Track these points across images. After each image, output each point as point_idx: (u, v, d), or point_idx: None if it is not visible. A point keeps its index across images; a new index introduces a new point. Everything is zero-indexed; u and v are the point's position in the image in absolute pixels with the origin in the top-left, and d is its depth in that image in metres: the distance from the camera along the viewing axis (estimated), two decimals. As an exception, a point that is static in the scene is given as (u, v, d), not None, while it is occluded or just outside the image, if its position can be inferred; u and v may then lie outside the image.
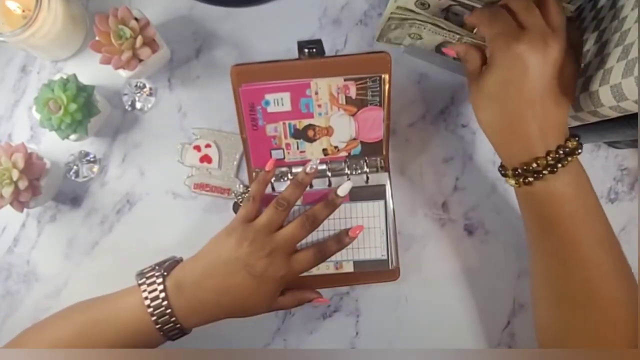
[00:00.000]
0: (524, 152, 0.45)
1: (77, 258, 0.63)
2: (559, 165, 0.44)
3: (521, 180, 0.46)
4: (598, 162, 0.63)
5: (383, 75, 0.54)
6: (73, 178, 0.62)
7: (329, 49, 0.62)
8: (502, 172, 0.49)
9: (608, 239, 0.47)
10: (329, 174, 0.58)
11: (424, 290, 0.63)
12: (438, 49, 0.58)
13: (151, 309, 0.48)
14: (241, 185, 0.62)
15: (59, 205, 0.63)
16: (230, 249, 0.50)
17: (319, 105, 0.55)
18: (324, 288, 0.61)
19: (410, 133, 0.63)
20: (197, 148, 0.62)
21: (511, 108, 0.45)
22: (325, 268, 0.58)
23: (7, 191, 0.54)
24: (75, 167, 0.62)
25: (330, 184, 0.58)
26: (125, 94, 0.63)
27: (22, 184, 0.55)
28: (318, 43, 0.53)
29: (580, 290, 0.46)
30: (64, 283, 0.62)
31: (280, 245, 0.51)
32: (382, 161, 0.59)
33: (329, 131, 0.57)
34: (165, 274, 0.50)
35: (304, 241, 0.55)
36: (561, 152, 0.45)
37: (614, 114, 0.48)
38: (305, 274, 0.55)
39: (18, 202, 0.56)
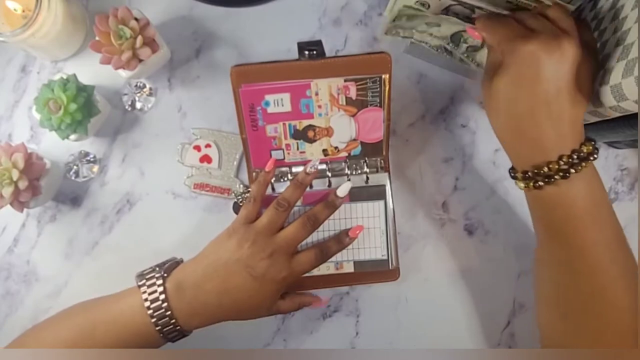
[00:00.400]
0: (536, 155, 0.44)
1: (77, 258, 0.63)
2: (572, 170, 0.43)
3: (531, 183, 0.45)
4: (598, 162, 0.62)
5: (383, 76, 0.54)
6: (73, 178, 0.62)
7: (329, 49, 0.62)
8: (512, 174, 0.48)
9: (619, 246, 0.45)
10: (329, 174, 0.58)
11: (424, 290, 0.63)
12: (453, 37, 0.57)
13: (151, 311, 0.48)
14: (241, 185, 0.62)
15: (59, 205, 0.63)
16: (231, 251, 0.50)
17: (319, 106, 0.55)
18: (324, 288, 0.61)
19: (410, 133, 0.63)
20: (197, 148, 0.62)
21: (523, 108, 0.43)
22: (325, 268, 0.58)
23: (7, 191, 0.54)
24: (75, 167, 0.62)
25: (330, 185, 0.58)
26: (125, 94, 0.63)
27: (22, 184, 0.55)
28: (318, 44, 0.53)
29: (587, 298, 0.45)
30: (64, 283, 0.62)
31: (281, 246, 0.51)
32: (382, 161, 0.59)
33: (329, 132, 0.57)
34: (165, 275, 0.50)
35: (304, 242, 0.55)
36: (575, 156, 0.43)
37: (614, 114, 0.48)
38: (304, 275, 0.56)
39: (18, 202, 0.56)
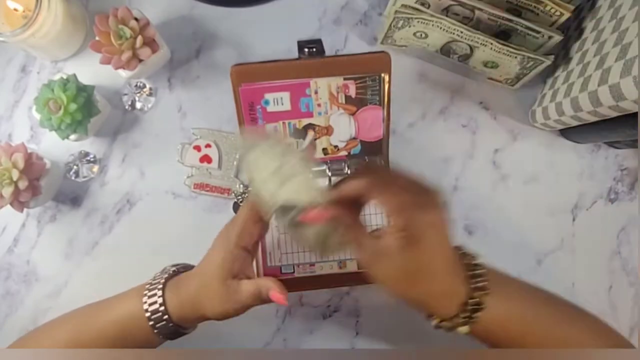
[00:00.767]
0: (447, 312, 0.43)
1: (77, 258, 0.63)
2: (481, 305, 0.43)
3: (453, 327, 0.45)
4: (598, 162, 0.63)
5: (383, 75, 0.54)
6: (73, 178, 0.62)
7: (329, 49, 0.62)
8: (439, 325, 0.47)
9: (561, 313, 0.46)
10: (329, 174, 0.58)
11: (424, 290, 0.63)
12: (444, 49, 0.58)
13: (149, 314, 0.47)
14: (241, 185, 0.62)
15: (59, 205, 0.63)
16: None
17: (319, 105, 0.55)
18: (325, 288, 0.61)
19: (410, 133, 0.63)
20: (197, 148, 0.62)
21: (427, 281, 0.42)
22: (329, 267, 0.58)
23: (7, 191, 0.55)
24: (75, 167, 0.62)
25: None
26: (125, 94, 0.63)
27: (22, 184, 0.55)
28: (318, 43, 0.53)
29: None
30: (64, 283, 0.62)
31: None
32: (382, 161, 0.59)
33: (328, 130, 0.57)
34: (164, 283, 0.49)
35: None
36: (470, 301, 0.43)
37: (613, 114, 0.49)
38: (307, 274, 0.56)
39: (18, 202, 0.56)
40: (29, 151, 0.57)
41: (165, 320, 0.47)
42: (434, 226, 0.41)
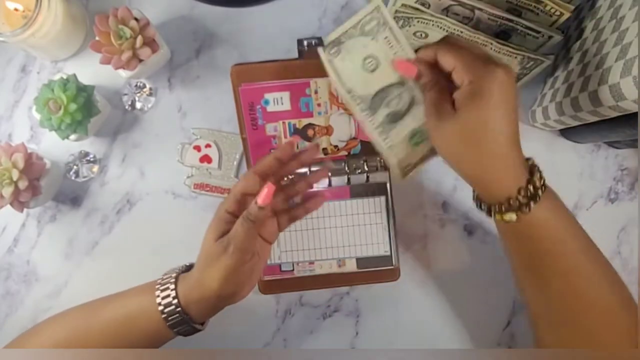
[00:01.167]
0: (503, 191, 0.43)
1: (77, 258, 0.63)
2: (538, 195, 0.42)
3: (505, 215, 0.44)
4: (598, 162, 0.63)
5: (383, 75, 0.54)
6: (73, 178, 0.62)
7: (328, 49, 0.62)
8: (481, 207, 0.47)
9: (596, 264, 0.45)
10: (329, 173, 0.58)
11: (424, 290, 0.63)
12: None
13: (162, 307, 0.47)
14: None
15: (59, 205, 0.63)
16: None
17: (319, 104, 0.55)
18: (325, 288, 0.61)
19: (410, 133, 0.63)
20: (197, 148, 0.62)
21: (487, 149, 0.42)
22: (328, 266, 0.58)
23: (7, 191, 0.55)
24: (75, 167, 0.62)
25: (330, 184, 0.58)
26: (125, 94, 0.63)
27: (22, 184, 0.55)
28: (318, 41, 0.53)
29: (579, 318, 0.44)
30: (64, 283, 0.62)
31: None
32: (382, 160, 0.59)
33: (328, 130, 0.57)
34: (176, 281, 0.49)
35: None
36: (530, 187, 0.42)
37: (613, 114, 0.48)
38: (307, 274, 0.56)
39: (18, 202, 0.56)
40: (29, 151, 0.57)
41: (178, 312, 0.47)
42: (502, 83, 0.40)
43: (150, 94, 0.63)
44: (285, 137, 0.57)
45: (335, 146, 0.58)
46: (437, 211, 0.63)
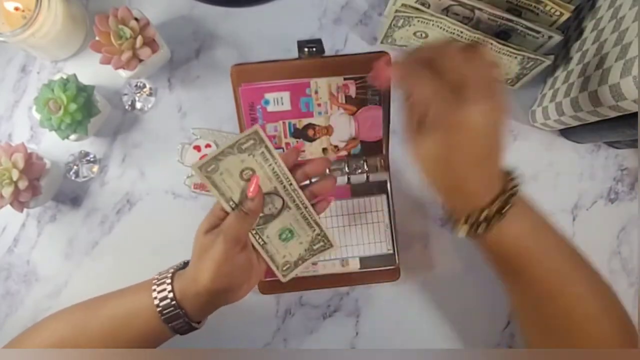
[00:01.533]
0: (471, 206, 0.44)
1: (77, 258, 0.63)
2: (507, 207, 0.43)
3: (472, 230, 0.44)
4: (598, 162, 0.63)
5: (383, 75, 0.54)
6: (73, 178, 0.62)
7: (329, 49, 0.62)
8: (450, 220, 0.47)
9: (573, 266, 0.46)
10: (329, 173, 0.58)
11: (424, 290, 0.63)
12: None
13: (160, 308, 0.47)
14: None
15: (59, 205, 0.63)
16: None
17: (319, 105, 0.55)
18: (325, 288, 0.61)
19: (410, 133, 0.63)
20: (197, 148, 0.62)
21: (457, 172, 0.43)
22: (331, 266, 0.58)
23: (7, 191, 0.55)
24: (75, 167, 0.62)
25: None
26: (125, 94, 0.63)
27: (22, 184, 0.55)
28: (318, 42, 0.53)
29: (558, 319, 0.45)
30: (64, 283, 0.62)
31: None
32: (382, 161, 0.59)
33: (328, 130, 0.57)
34: (172, 277, 0.49)
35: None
36: (505, 196, 0.43)
37: (613, 114, 0.48)
38: (309, 274, 0.56)
39: (18, 202, 0.56)
40: (29, 151, 0.57)
41: (173, 306, 0.47)
42: (463, 122, 0.40)
43: (150, 94, 0.63)
44: (286, 137, 0.57)
45: (335, 146, 0.58)
46: (437, 211, 0.63)
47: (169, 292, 0.47)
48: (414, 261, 0.62)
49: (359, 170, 0.58)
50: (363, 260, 0.59)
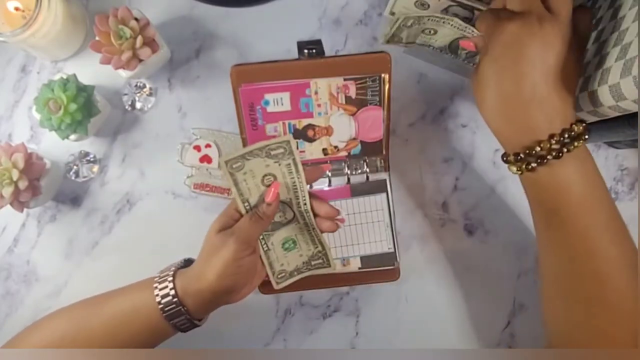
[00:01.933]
0: (525, 136, 0.43)
1: (77, 258, 0.63)
2: (564, 150, 0.42)
3: (523, 166, 0.44)
4: (598, 162, 0.62)
5: (383, 75, 0.54)
6: (73, 178, 0.62)
7: (329, 49, 0.62)
8: (504, 159, 0.46)
9: (616, 229, 0.44)
10: (329, 173, 0.58)
11: (424, 290, 0.63)
12: (452, 47, 0.57)
13: (162, 305, 0.48)
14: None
15: (59, 205, 0.63)
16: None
17: (319, 105, 0.55)
18: (325, 288, 0.61)
19: (410, 133, 0.63)
20: (197, 148, 0.62)
21: (508, 89, 0.43)
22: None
23: (7, 191, 0.55)
24: (75, 167, 0.62)
25: (330, 184, 0.58)
26: (125, 94, 0.63)
27: (22, 184, 0.55)
28: (318, 43, 0.53)
29: (587, 283, 0.44)
30: (64, 283, 0.62)
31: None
32: (382, 161, 0.59)
33: (328, 131, 0.57)
34: (174, 275, 0.49)
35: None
36: (566, 136, 0.42)
37: (613, 114, 0.48)
38: (309, 273, 0.56)
39: (18, 202, 0.56)
40: (29, 151, 0.57)
41: (175, 303, 0.47)
42: (511, 38, 0.42)
43: (150, 94, 0.63)
44: (285, 137, 0.57)
45: (335, 146, 0.58)
46: (437, 211, 0.63)
47: (171, 289, 0.47)
48: (414, 261, 0.62)
49: (359, 170, 0.59)
50: (364, 259, 0.59)
